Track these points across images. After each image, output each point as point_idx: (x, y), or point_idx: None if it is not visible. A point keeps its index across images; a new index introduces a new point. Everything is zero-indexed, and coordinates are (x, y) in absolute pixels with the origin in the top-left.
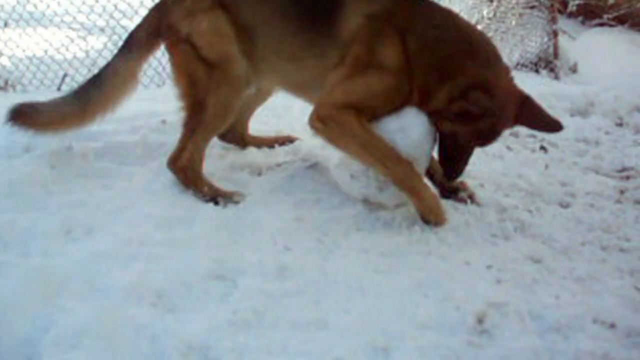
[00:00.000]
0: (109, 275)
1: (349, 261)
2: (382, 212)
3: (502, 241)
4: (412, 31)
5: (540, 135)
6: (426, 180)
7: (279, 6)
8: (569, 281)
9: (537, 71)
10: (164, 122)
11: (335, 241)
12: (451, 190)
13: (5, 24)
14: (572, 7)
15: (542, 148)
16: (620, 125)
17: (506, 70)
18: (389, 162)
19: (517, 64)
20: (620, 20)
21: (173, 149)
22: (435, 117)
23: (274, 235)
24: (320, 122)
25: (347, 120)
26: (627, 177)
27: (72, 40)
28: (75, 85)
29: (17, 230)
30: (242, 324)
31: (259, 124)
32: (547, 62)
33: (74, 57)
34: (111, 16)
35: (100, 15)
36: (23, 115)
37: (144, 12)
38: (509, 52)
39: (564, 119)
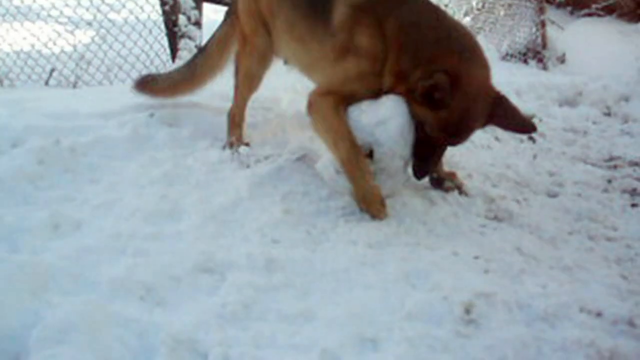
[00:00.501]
0: (96, 269)
1: (337, 253)
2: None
3: (490, 231)
4: (391, 17)
5: None
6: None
7: None
8: (556, 270)
9: (525, 61)
10: (152, 115)
11: (323, 233)
12: (438, 180)
13: None
14: None
15: (531, 138)
16: (608, 114)
17: (485, 67)
18: (340, 143)
19: (506, 55)
20: (609, 10)
21: None
22: (407, 99)
23: (262, 228)
24: (307, 108)
25: (323, 107)
26: (615, 167)
27: (60, 35)
28: (63, 80)
29: (5, 226)
30: (230, 317)
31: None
32: (535, 53)
33: (62, 51)
34: (98, 10)
35: (87, 9)
36: (145, 84)
37: (131, 6)
38: (498, 43)
39: (552, 109)
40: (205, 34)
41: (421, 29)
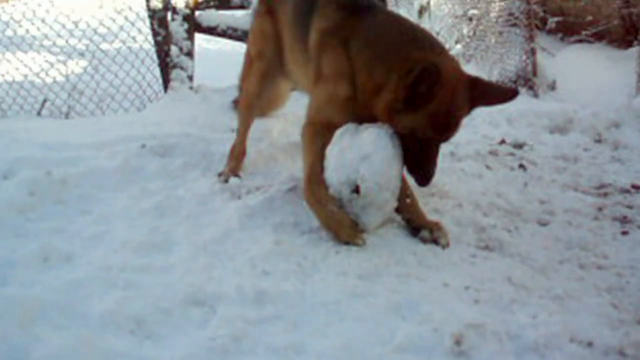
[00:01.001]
0: (86, 303)
1: (328, 284)
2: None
3: (481, 261)
4: (354, 38)
5: (519, 153)
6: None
7: (292, 16)
8: (547, 300)
9: (516, 89)
10: (143, 146)
11: (314, 265)
12: (415, 228)
13: None
14: (551, 23)
15: (521, 166)
16: (599, 141)
17: (453, 59)
18: (305, 170)
19: (497, 82)
20: (599, 37)
21: None
22: (390, 115)
23: (252, 259)
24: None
25: (304, 134)
26: (605, 194)
27: (52, 65)
28: (55, 110)
29: None
30: (220, 350)
31: None
32: (526, 80)
33: (54, 81)
34: (91, 40)
35: (80, 40)
36: None
37: (123, 36)
38: (489, 71)
39: (543, 136)
40: (197, 64)
41: (386, 38)
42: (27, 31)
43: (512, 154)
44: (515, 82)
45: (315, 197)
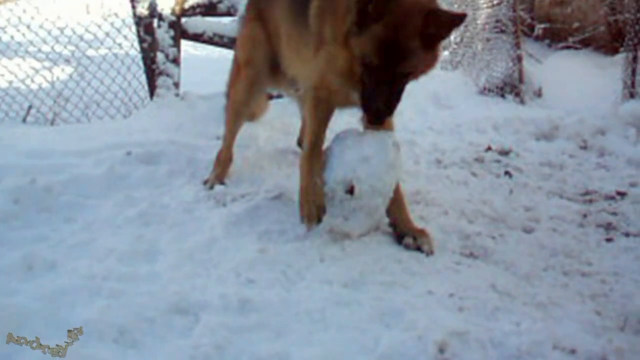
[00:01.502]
0: (70, 311)
1: (312, 293)
2: (347, 242)
3: (465, 268)
4: None
5: (505, 160)
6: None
7: (286, 8)
8: (530, 307)
9: (502, 96)
10: (129, 153)
11: (298, 273)
12: (400, 235)
13: None
14: (538, 30)
15: (507, 173)
16: (584, 148)
17: None
18: (307, 136)
19: (484, 89)
20: (585, 43)
21: None
22: (349, 43)
23: (237, 268)
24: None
25: (309, 103)
26: (590, 201)
27: (37, 71)
28: (40, 117)
29: None
30: (203, 359)
31: None
32: (512, 87)
33: (40, 88)
34: (76, 47)
35: (65, 46)
36: None
37: (109, 43)
38: (476, 77)
39: (529, 143)
40: (183, 71)
41: None
42: (12, 37)
43: (497, 161)
44: (502, 88)
45: (309, 165)
